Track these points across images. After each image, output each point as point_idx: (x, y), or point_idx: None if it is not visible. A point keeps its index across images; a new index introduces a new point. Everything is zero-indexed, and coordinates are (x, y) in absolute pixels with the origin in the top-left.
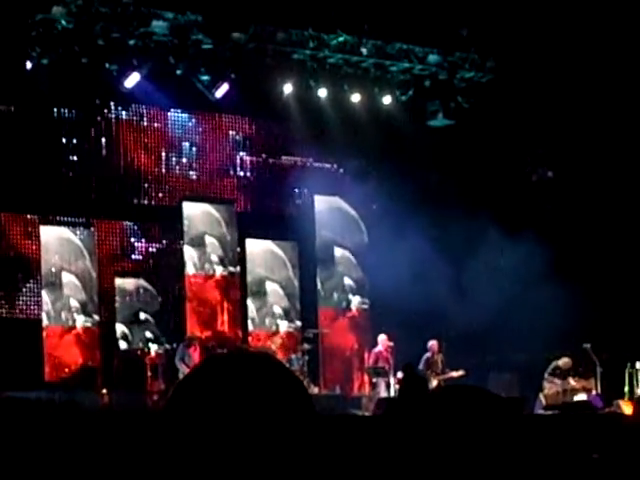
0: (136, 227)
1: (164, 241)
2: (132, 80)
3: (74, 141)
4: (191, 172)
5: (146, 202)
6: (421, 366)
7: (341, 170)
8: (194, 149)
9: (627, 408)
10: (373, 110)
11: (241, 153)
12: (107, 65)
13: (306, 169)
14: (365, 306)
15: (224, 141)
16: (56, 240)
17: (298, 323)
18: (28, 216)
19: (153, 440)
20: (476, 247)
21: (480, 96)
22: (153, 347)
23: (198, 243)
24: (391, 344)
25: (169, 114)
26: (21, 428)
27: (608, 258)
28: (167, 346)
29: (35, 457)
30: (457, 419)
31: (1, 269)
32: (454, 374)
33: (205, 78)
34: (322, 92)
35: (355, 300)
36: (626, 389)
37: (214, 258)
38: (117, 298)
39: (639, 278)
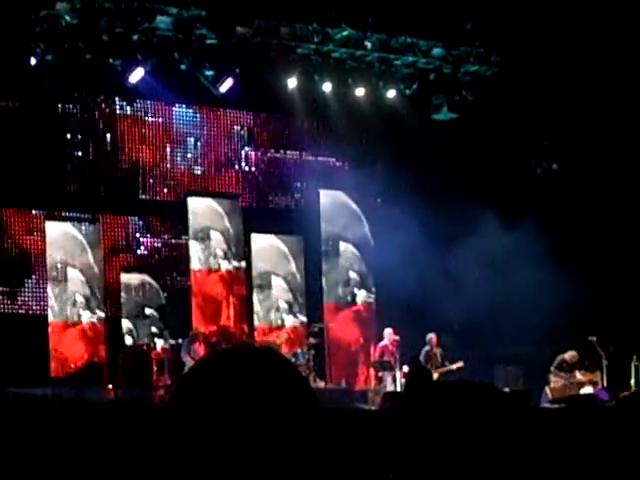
0: (141, 222)
1: (169, 236)
2: (136, 75)
3: (79, 137)
4: (196, 167)
5: (151, 197)
6: (420, 359)
7: (345, 164)
8: (199, 144)
9: None
10: (377, 104)
11: (246, 148)
12: (111, 60)
13: (310, 163)
14: (370, 300)
15: (229, 136)
16: (61, 236)
17: (303, 317)
18: (33, 212)
19: (157, 435)
20: (481, 240)
21: (484, 89)
22: (159, 342)
23: (203, 238)
24: (397, 338)
25: (173, 109)
26: (28, 424)
27: (614, 250)
28: (172, 341)
29: (42, 452)
30: (462, 413)
31: (6, 265)
32: (453, 367)
33: (209, 73)
34: (326, 86)
35: (360, 294)
36: (632, 382)
37: (219, 253)
38: (122, 293)
39: None
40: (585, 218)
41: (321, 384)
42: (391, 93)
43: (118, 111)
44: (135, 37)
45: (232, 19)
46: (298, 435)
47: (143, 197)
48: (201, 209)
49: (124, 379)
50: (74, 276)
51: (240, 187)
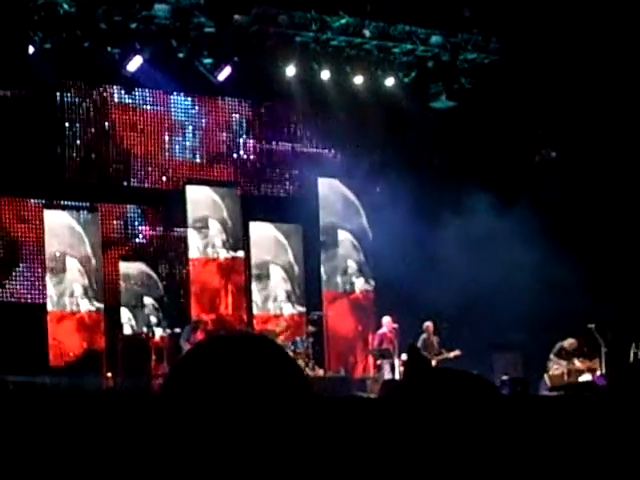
0: (140, 211)
1: (167, 225)
2: (134, 64)
3: (77, 125)
4: (194, 155)
5: (149, 186)
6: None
7: (343, 153)
8: (197, 132)
9: None
10: (376, 92)
11: (244, 136)
12: (109, 49)
13: (309, 152)
14: (369, 288)
15: (227, 124)
16: (59, 225)
17: (302, 306)
18: (32, 200)
19: (150, 423)
20: (480, 227)
21: (483, 77)
22: (157, 331)
23: (201, 227)
24: (395, 326)
25: (172, 97)
26: (27, 413)
27: (612, 238)
28: (171, 330)
29: (41, 441)
30: (458, 401)
31: (5, 254)
32: (450, 355)
33: (207, 61)
34: (325, 74)
35: (359, 282)
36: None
37: (217, 242)
38: (121, 282)
39: None
40: (584, 205)
41: (320, 372)
42: (389, 81)
43: (116, 99)
44: (133, 25)
45: (230, 7)
46: (291, 422)
47: (141, 186)
48: (200, 198)
49: (123, 368)
50: (72, 265)
51: (238, 175)
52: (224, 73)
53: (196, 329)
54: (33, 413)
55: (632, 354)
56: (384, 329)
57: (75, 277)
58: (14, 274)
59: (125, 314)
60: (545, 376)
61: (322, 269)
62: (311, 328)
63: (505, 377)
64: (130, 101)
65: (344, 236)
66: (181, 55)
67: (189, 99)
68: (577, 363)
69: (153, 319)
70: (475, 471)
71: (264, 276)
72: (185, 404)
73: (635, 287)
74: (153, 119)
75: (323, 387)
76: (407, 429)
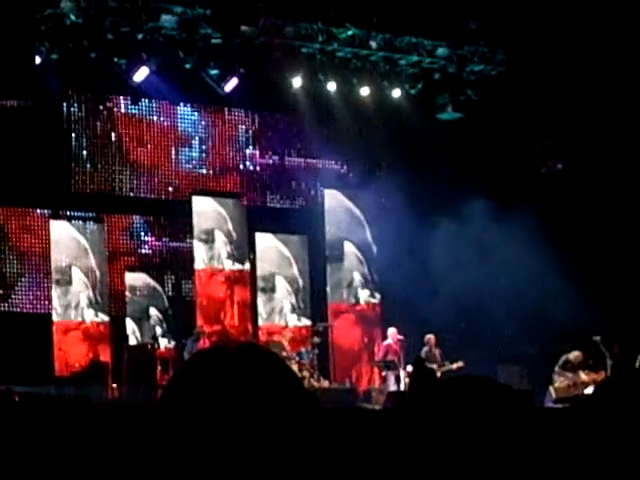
0: (145, 222)
1: (173, 236)
2: (141, 74)
3: (83, 136)
4: (200, 166)
5: (156, 197)
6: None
7: (349, 165)
8: (203, 143)
9: None
10: (382, 103)
11: (250, 147)
12: (116, 59)
13: (315, 164)
14: (374, 300)
15: (233, 135)
16: (65, 237)
17: (308, 317)
18: (38, 211)
19: (149, 435)
20: (487, 240)
21: (489, 89)
22: (163, 341)
23: (207, 238)
24: (401, 337)
25: (178, 108)
26: (32, 423)
27: (618, 250)
28: (176, 342)
29: (45, 452)
30: (468, 411)
31: (11, 264)
32: (453, 366)
33: (214, 72)
34: (331, 86)
35: (364, 294)
36: None
37: (223, 253)
38: (127, 293)
39: None
40: (590, 217)
41: (325, 383)
42: (396, 93)
43: (123, 110)
44: (140, 36)
45: (237, 18)
46: (288, 430)
47: (147, 196)
48: (205, 210)
49: (128, 378)
50: (78, 276)
51: (244, 186)
52: (230, 84)
53: (198, 339)
54: (38, 423)
55: (638, 367)
56: (389, 340)
57: (81, 288)
58: (20, 284)
59: (130, 325)
60: (550, 388)
61: (327, 281)
62: (316, 339)
63: None
64: (136, 112)
65: (349, 248)
66: (188, 66)
67: (195, 110)
68: (582, 376)
69: (158, 330)
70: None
71: (269, 288)
72: (184, 413)
73: None
74: (159, 130)
75: (328, 398)
76: (414, 441)
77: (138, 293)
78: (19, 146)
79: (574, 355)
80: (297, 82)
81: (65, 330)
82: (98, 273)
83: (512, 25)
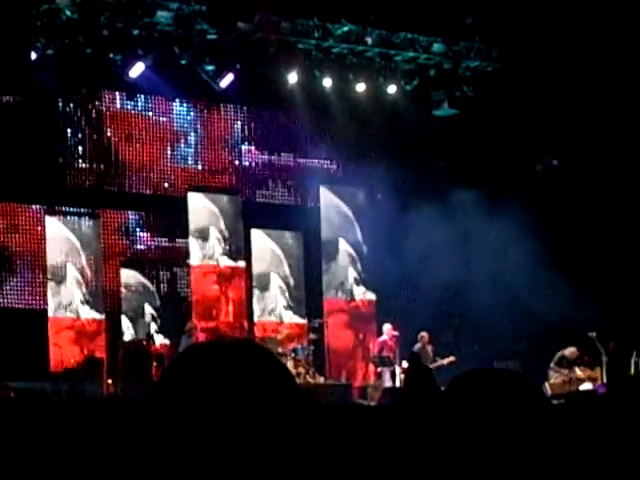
0: (140, 218)
1: (169, 231)
2: (137, 70)
3: (78, 131)
4: (196, 162)
5: (151, 193)
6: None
7: (345, 161)
8: (199, 139)
9: None
10: (378, 99)
11: (246, 143)
12: (111, 55)
13: (310, 160)
14: (369, 296)
15: (229, 131)
16: (60, 233)
17: (303, 314)
18: (34, 207)
19: (140, 430)
20: (481, 236)
21: (485, 85)
22: (158, 338)
23: (203, 234)
24: (396, 333)
25: (174, 104)
26: (27, 419)
27: (614, 247)
28: (172, 338)
29: (40, 447)
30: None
31: (6, 259)
32: (444, 361)
33: (210, 68)
34: (327, 82)
35: (359, 290)
36: None
37: (218, 250)
38: (122, 290)
39: None
40: (585, 213)
41: (320, 380)
42: (391, 89)
43: (118, 106)
44: (135, 32)
45: (233, 14)
46: (279, 425)
47: (143, 192)
48: (200, 207)
49: (123, 374)
50: (74, 272)
51: (240, 182)
52: (226, 80)
53: (191, 335)
54: (33, 419)
55: (633, 363)
56: (385, 337)
57: (75, 285)
58: (15, 280)
59: (125, 322)
60: (545, 384)
61: (323, 276)
62: (312, 336)
63: None
64: (132, 108)
65: (343, 246)
66: (183, 62)
67: (191, 106)
68: (578, 372)
69: (153, 327)
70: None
71: (264, 285)
72: (176, 406)
73: (636, 296)
74: (155, 126)
75: (324, 394)
76: (410, 436)
77: (133, 290)
78: (14, 142)
79: (569, 351)
80: (293, 78)
81: (60, 327)
82: (93, 270)
83: (507, 22)
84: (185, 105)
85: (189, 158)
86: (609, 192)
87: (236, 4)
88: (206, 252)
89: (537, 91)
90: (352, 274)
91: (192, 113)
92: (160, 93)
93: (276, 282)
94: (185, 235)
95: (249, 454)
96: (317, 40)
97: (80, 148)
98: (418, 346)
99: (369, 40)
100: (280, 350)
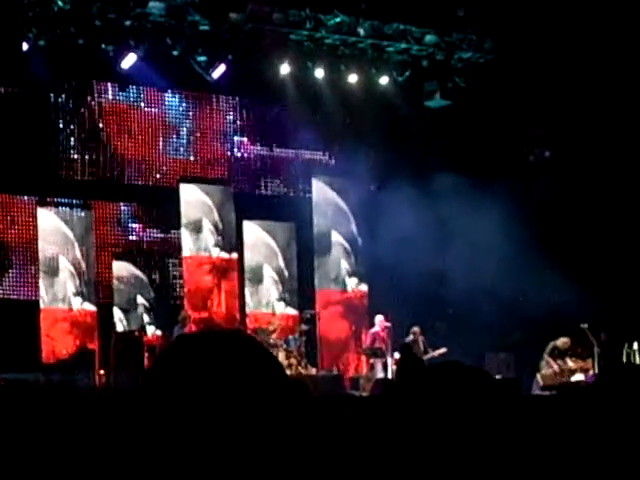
0: (133, 209)
1: (161, 223)
2: (129, 61)
3: (70, 122)
4: (188, 153)
5: (143, 184)
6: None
7: (337, 151)
8: (191, 130)
9: None
10: (370, 91)
11: (238, 134)
12: (103, 46)
13: (302, 151)
14: (362, 287)
15: (221, 122)
16: (52, 225)
17: (295, 305)
18: (25, 198)
19: (129, 420)
20: (474, 227)
21: (477, 76)
22: (150, 329)
23: (195, 225)
24: (388, 324)
25: (166, 95)
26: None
27: (606, 238)
28: (164, 329)
29: (32, 438)
30: (453, 398)
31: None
32: (435, 353)
33: (202, 59)
34: (319, 72)
35: (352, 281)
36: None
37: (210, 241)
38: (114, 281)
39: (635, 259)
40: (578, 204)
41: (312, 371)
42: (384, 80)
43: (110, 97)
44: (128, 23)
45: (225, 5)
46: (268, 415)
47: (135, 183)
48: (193, 199)
49: (115, 365)
50: (65, 265)
51: (232, 173)
52: (218, 71)
53: (184, 325)
54: (25, 410)
55: (625, 354)
56: (377, 328)
57: (68, 276)
58: (7, 271)
59: (117, 313)
60: (537, 375)
61: (315, 267)
62: (304, 327)
63: (498, 377)
64: (124, 99)
65: (336, 239)
66: (175, 53)
67: (183, 97)
68: (570, 363)
69: (146, 318)
70: (469, 468)
71: (257, 277)
72: (163, 397)
73: (628, 287)
74: (147, 117)
75: (316, 386)
76: (402, 427)
77: (125, 281)
78: (6, 133)
79: (562, 341)
80: (285, 69)
81: (52, 318)
82: (85, 262)
83: (500, 13)
84: (177, 96)
85: (181, 149)
86: (602, 183)
87: None
88: (199, 244)
89: (530, 83)
90: (344, 265)
91: (184, 104)
92: (152, 84)
93: (269, 274)
94: (178, 227)
95: (238, 443)
96: (309, 31)
97: (72, 139)
98: (410, 338)
99: (361, 31)
100: (272, 341)
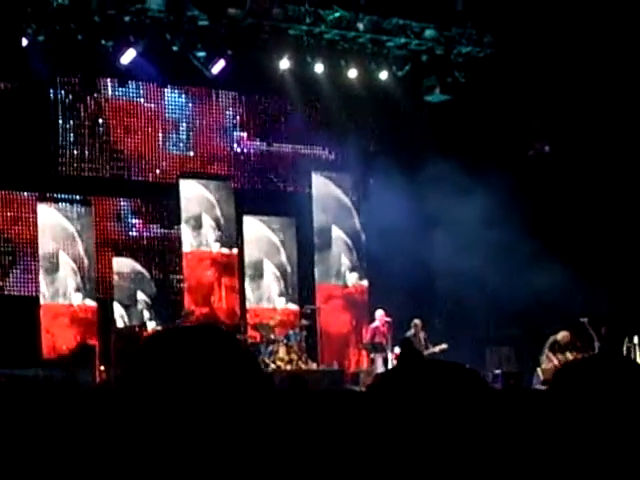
0: (133, 205)
1: (161, 218)
2: (128, 57)
3: (70, 118)
4: (188, 149)
5: (143, 179)
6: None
7: (336, 146)
8: (191, 126)
9: None
10: (370, 86)
11: (238, 129)
12: (103, 41)
13: (302, 146)
14: (362, 282)
15: (221, 118)
16: (53, 222)
17: (296, 299)
18: (25, 194)
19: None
20: (472, 222)
21: (477, 71)
22: (150, 324)
23: (195, 221)
24: (388, 319)
25: (165, 91)
26: (18, 405)
27: (606, 232)
28: (165, 325)
29: (32, 434)
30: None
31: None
32: (436, 349)
33: (201, 54)
34: (318, 67)
35: (352, 276)
36: None
37: (211, 237)
38: (115, 277)
39: (637, 253)
40: (578, 198)
41: (313, 366)
42: (383, 75)
43: (109, 92)
44: (127, 18)
45: (224, 0)
46: (245, 411)
47: (135, 179)
48: (193, 195)
49: (116, 361)
50: (65, 261)
51: (232, 169)
52: (218, 66)
53: (185, 321)
54: (25, 406)
55: (625, 348)
56: (377, 323)
57: (69, 272)
58: (7, 267)
59: (118, 309)
60: (538, 370)
61: (316, 262)
62: (304, 322)
63: (498, 371)
64: (124, 94)
65: (337, 234)
66: (175, 48)
67: (182, 92)
68: (570, 357)
69: (146, 314)
70: (465, 462)
71: (257, 272)
72: (138, 392)
73: (628, 281)
74: (146, 112)
75: (316, 381)
76: (396, 421)
77: (126, 277)
78: (5, 129)
79: (562, 335)
80: (284, 64)
81: (53, 314)
82: (86, 258)
83: (500, 7)
84: (177, 92)
85: (181, 145)
86: (601, 177)
87: None
88: (199, 239)
89: (529, 77)
90: (345, 261)
91: (184, 100)
92: (151, 79)
93: (269, 269)
94: (178, 222)
95: (209, 437)
96: (309, 26)
97: (71, 135)
98: (411, 332)
99: (361, 26)
100: (272, 336)
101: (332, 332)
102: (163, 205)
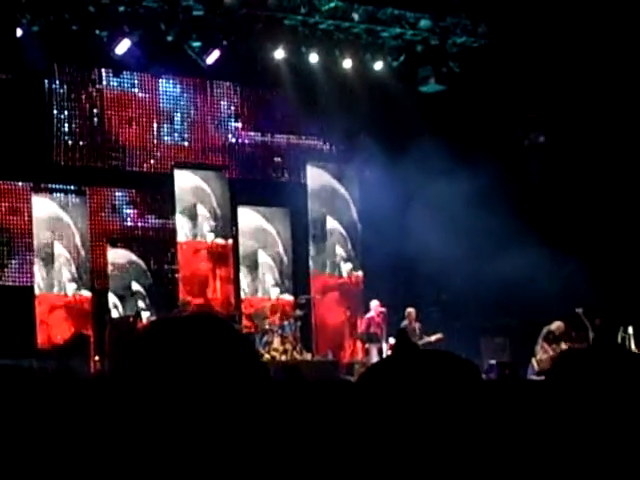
0: (128, 195)
1: (156, 209)
2: (123, 47)
3: (65, 108)
4: (183, 139)
5: (138, 170)
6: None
7: (331, 137)
8: (185, 116)
9: None
10: (364, 76)
11: (232, 119)
12: (97, 32)
13: (297, 136)
14: (357, 272)
15: (215, 108)
16: (48, 212)
17: (290, 290)
18: (20, 184)
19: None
20: (468, 212)
21: (472, 61)
22: (145, 314)
23: (190, 211)
24: (383, 310)
25: (160, 81)
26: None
27: (601, 222)
28: (160, 315)
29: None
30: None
31: None
32: (432, 338)
33: (196, 44)
34: (313, 58)
35: (347, 266)
36: None
37: (205, 227)
38: (110, 267)
39: (631, 243)
40: (573, 188)
41: (308, 356)
42: (378, 65)
43: (104, 82)
44: (121, 8)
45: None
46: (242, 400)
47: (130, 170)
48: (188, 186)
49: (110, 351)
50: (61, 249)
51: (227, 159)
52: (213, 56)
53: (182, 311)
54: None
55: (620, 339)
56: (372, 313)
57: (63, 262)
58: (2, 258)
59: (113, 300)
60: (533, 360)
61: (311, 253)
62: (299, 312)
63: (493, 361)
64: (118, 84)
65: (332, 225)
66: (169, 38)
67: (177, 82)
68: (564, 347)
69: (141, 304)
70: (459, 452)
71: (252, 263)
72: (134, 386)
73: (623, 271)
74: (141, 102)
75: (311, 371)
76: (388, 410)
77: (120, 267)
78: (0, 119)
79: (556, 325)
80: (279, 54)
81: (48, 304)
82: (81, 248)
83: None
84: (172, 82)
85: (176, 135)
86: (597, 167)
87: None
88: (194, 230)
89: (524, 67)
90: (340, 251)
91: (179, 90)
92: (146, 70)
93: (264, 259)
94: (173, 213)
95: (206, 426)
96: (304, 16)
97: (66, 125)
98: (405, 322)
99: (355, 16)
100: (267, 327)
101: (327, 322)
102: (158, 196)
